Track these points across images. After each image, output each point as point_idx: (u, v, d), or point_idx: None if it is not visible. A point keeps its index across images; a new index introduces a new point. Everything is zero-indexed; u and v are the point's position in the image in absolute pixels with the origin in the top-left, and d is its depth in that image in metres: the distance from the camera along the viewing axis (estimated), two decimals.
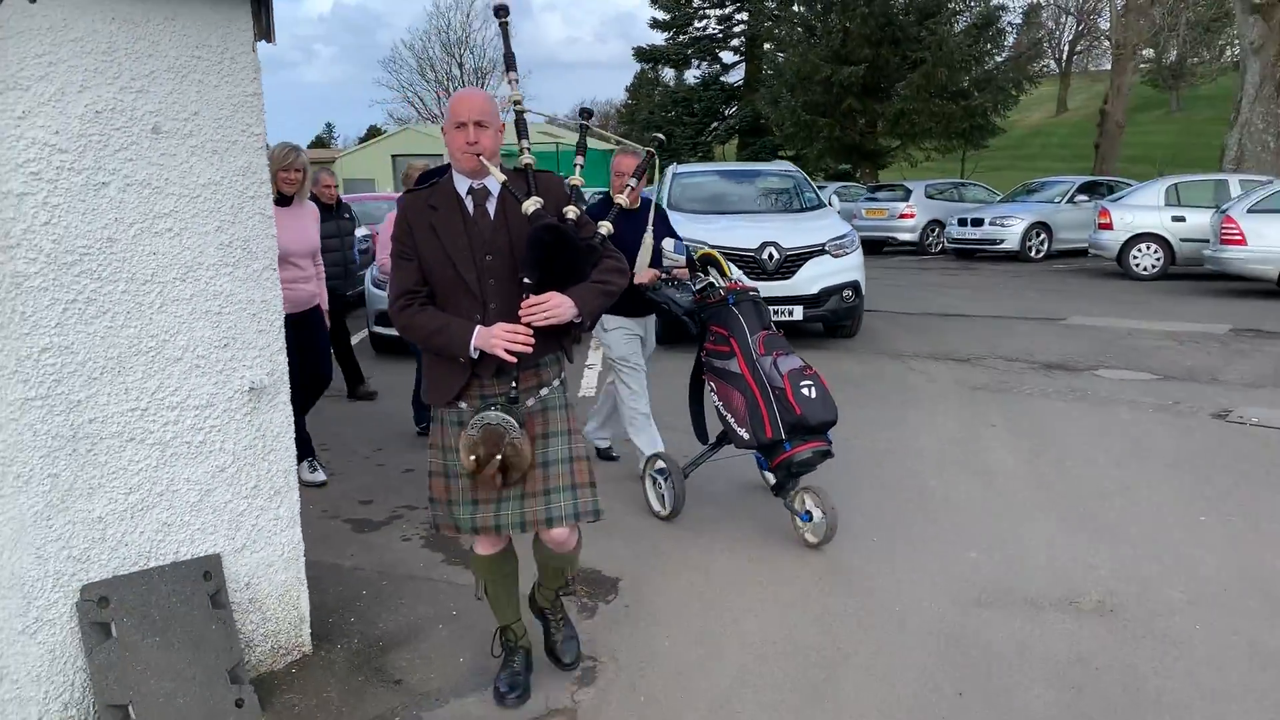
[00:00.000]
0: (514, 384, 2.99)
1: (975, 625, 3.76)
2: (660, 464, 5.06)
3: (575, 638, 3.54)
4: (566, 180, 3.19)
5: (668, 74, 46.60)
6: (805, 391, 4.37)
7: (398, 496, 5.45)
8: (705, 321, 4.87)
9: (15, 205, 2.76)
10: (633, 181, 3.84)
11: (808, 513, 4.52)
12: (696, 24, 42.81)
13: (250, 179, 3.26)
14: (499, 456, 2.94)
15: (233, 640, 3.25)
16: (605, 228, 3.14)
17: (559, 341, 3.11)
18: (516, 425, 2.97)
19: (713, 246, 7.14)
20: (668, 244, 5.05)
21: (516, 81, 3.21)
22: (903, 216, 21.42)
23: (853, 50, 30.27)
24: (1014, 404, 7.14)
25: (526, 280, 2.93)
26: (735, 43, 42.54)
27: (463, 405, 3.07)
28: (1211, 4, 50.19)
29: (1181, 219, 15.19)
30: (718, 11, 42.55)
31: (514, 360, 2.91)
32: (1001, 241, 18.98)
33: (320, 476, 5.72)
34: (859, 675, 3.43)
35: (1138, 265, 15.47)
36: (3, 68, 2.70)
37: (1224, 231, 12.94)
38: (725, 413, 4.66)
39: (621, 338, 5.37)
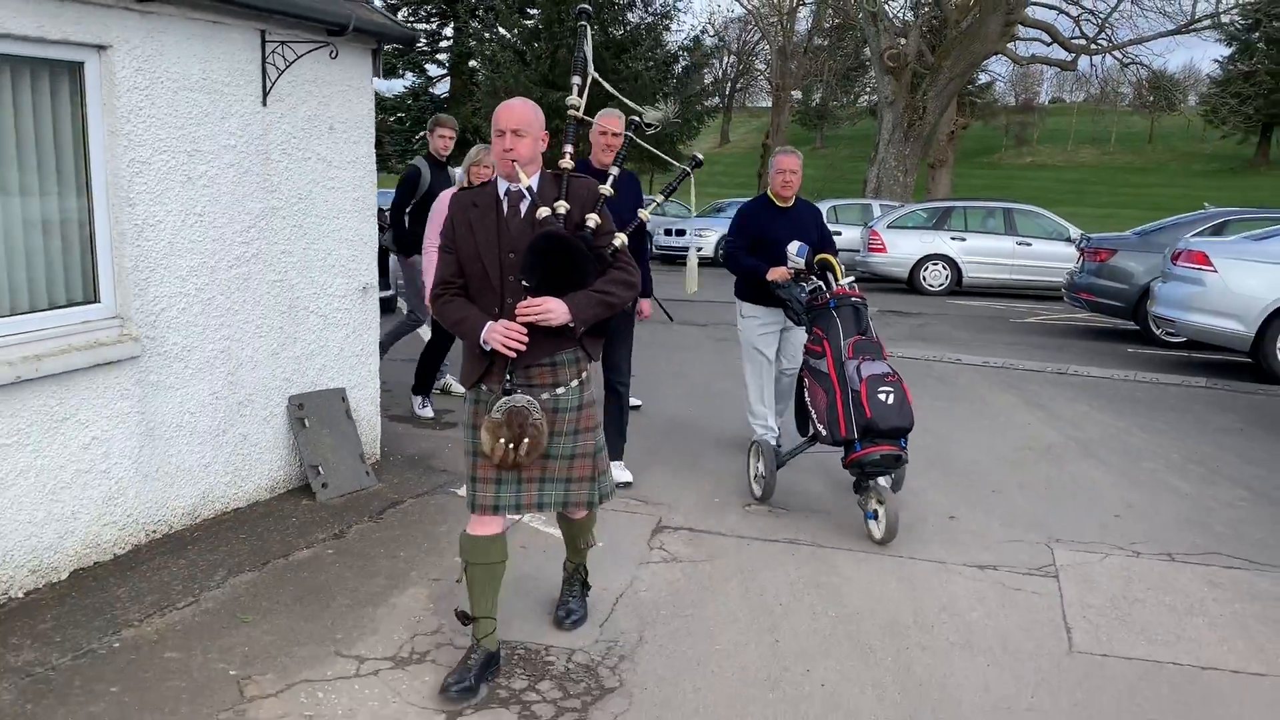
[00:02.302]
0: (509, 377, 3.18)
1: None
2: (759, 450, 5.40)
3: (580, 613, 3.78)
4: (600, 188, 3.32)
5: None
6: (881, 397, 4.64)
7: None
8: (811, 322, 5.16)
9: (275, 166, 4.79)
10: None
11: (873, 511, 4.77)
12: None
13: (368, 160, 5.38)
14: (525, 439, 3.13)
15: (358, 439, 5.35)
16: (620, 239, 3.30)
17: (575, 341, 3.27)
18: (539, 408, 3.17)
19: None
20: (792, 247, 5.35)
21: (580, 88, 3.47)
22: None
23: (559, 77, 33.26)
24: None
25: (524, 283, 3.13)
26: (442, 57, 44.47)
27: (483, 389, 3.28)
28: (849, 56, 58.41)
29: (839, 233, 19.28)
30: (425, 26, 44.32)
31: (512, 355, 3.12)
32: (701, 249, 22.61)
33: (429, 412, 6.82)
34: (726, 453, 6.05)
35: None
36: (278, 90, 4.73)
37: (871, 243, 16.95)
38: (811, 409, 4.99)
39: (753, 326, 5.87)
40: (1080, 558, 4.65)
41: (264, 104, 4.67)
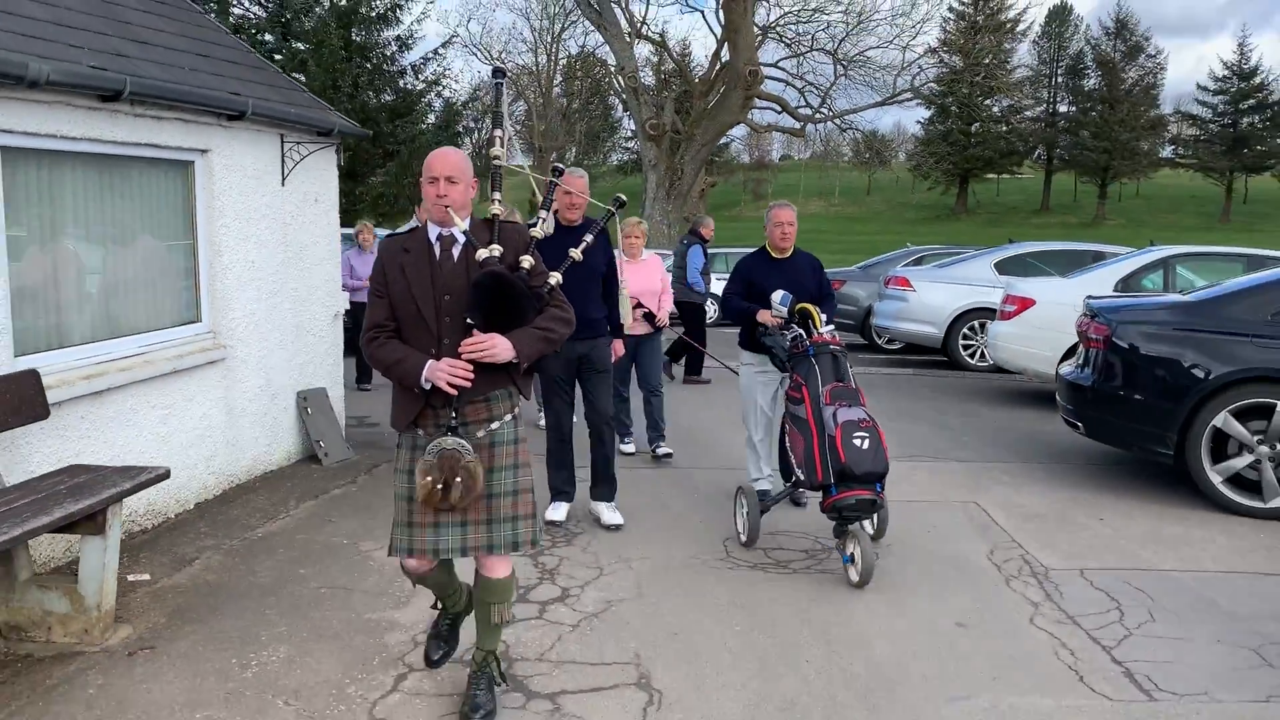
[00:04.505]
0: (454, 414, 3.25)
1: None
2: (743, 495, 5.46)
3: (488, 707, 3.43)
4: (530, 231, 3.48)
5: None
6: (856, 442, 4.73)
7: None
8: (791, 369, 5.28)
9: (289, 228, 6.80)
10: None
11: (850, 555, 4.80)
12: None
13: (335, 222, 7.43)
14: (457, 479, 3.15)
15: (338, 424, 7.34)
16: (555, 278, 3.41)
17: (509, 378, 3.34)
18: (471, 450, 3.20)
19: None
20: (776, 295, 5.44)
21: (502, 140, 3.62)
22: None
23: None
24: None
25: (469, 321, 3.19)
26: None
27: (419, 432, 3.33)
28: (598, 118, 62.54)
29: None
30: None
31: (454, 392, 3.18)
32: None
33: None
34: None
35: None
36: (291, 176, 6.76)
37: None
38: (790, 454, 5.14)
39: (750, 373, 5.94)
40: None
41: (283, 185, 6.70)
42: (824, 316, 5.37)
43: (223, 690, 3.70)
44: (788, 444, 5.21)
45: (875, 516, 5.26)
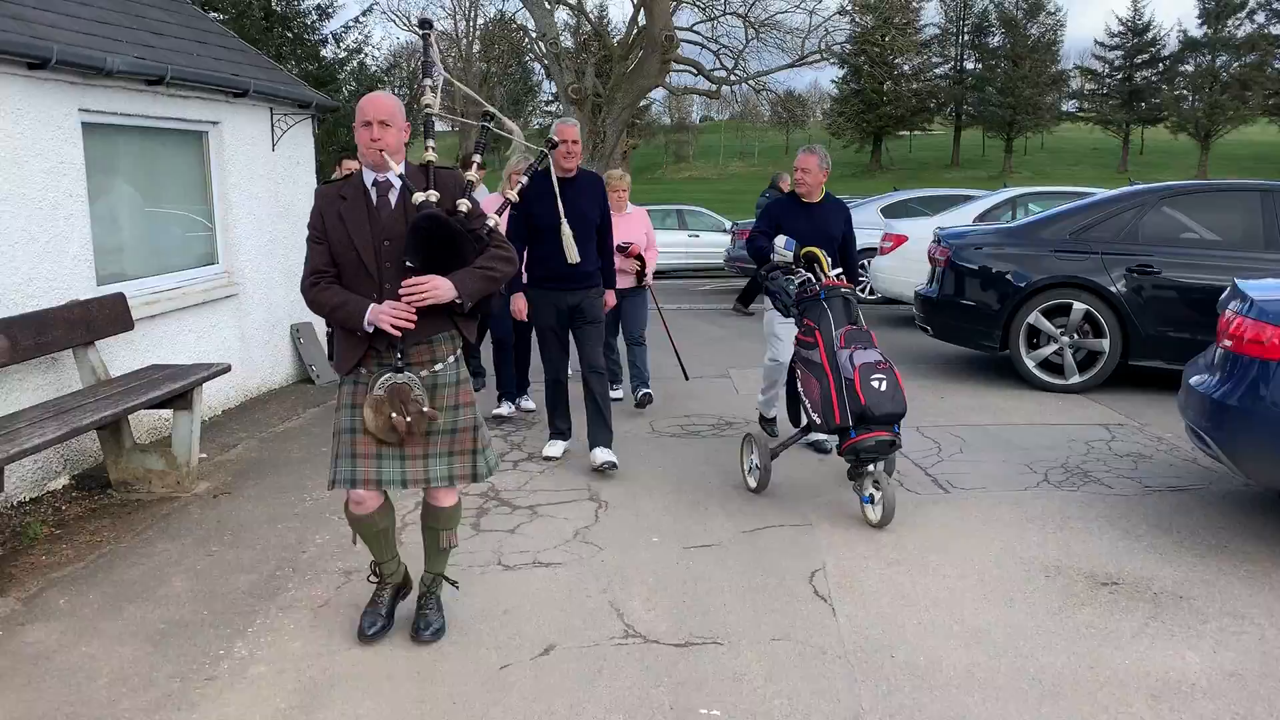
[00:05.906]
0: (399, 355, 3.35)
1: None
2: (753, 442, 5.42)
3: (438, 623, 3.62)
4: (465, 176, 3.49)
5: None
6: (874, 384, 4.72)
7: None
8: (802, 314, 5.17)
9: (279, 186, 8.12)
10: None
11: (869, 495, 4.81)
12: None
13: (311, 178, 8.75)
14: (410, 412, 3.29)
15: (324, 351, 8.70)
16: (493, 220, 3.50)
17: (450, 320, 3.43)
18: (420, 382, 3.34)
19: None
20: (779, 240, 5.40)
21: (433, 88, 3.67)
22: None
23: None
24: None
25: (409, 264, 3.28)
26: None
27: (362, 371, 3.43)
28: (518, 83, 63.31)
29: None
30: None
31: (398, 334, 3.28)
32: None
33: (530, 404, 7.41)
34: None
35: None
36: (281, 143, 8.06)
37: None
38: (805, 398, 5.10)
39: (776, 316, 5.91)
40: (741, 371, 8.90)
41: (273, 150, 8.01)
42: (830, 260, 5.38)
43: (291, 513, 5.15)
44: (800, 389, 5.18)
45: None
